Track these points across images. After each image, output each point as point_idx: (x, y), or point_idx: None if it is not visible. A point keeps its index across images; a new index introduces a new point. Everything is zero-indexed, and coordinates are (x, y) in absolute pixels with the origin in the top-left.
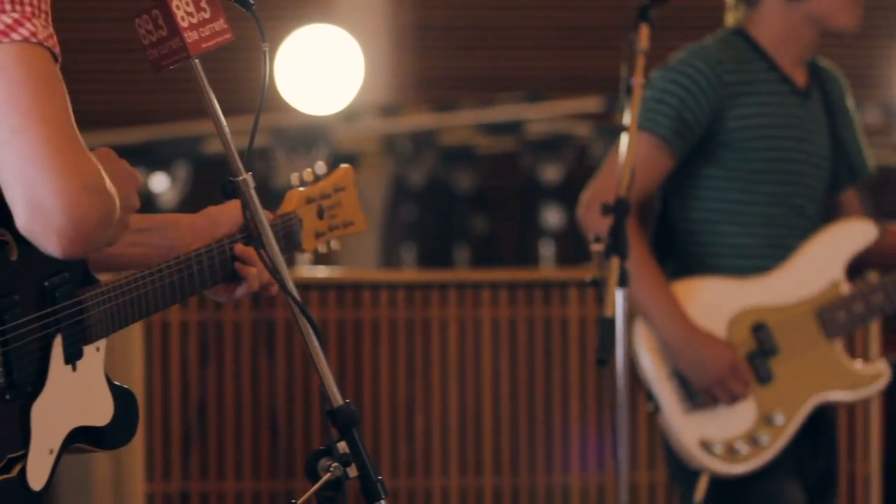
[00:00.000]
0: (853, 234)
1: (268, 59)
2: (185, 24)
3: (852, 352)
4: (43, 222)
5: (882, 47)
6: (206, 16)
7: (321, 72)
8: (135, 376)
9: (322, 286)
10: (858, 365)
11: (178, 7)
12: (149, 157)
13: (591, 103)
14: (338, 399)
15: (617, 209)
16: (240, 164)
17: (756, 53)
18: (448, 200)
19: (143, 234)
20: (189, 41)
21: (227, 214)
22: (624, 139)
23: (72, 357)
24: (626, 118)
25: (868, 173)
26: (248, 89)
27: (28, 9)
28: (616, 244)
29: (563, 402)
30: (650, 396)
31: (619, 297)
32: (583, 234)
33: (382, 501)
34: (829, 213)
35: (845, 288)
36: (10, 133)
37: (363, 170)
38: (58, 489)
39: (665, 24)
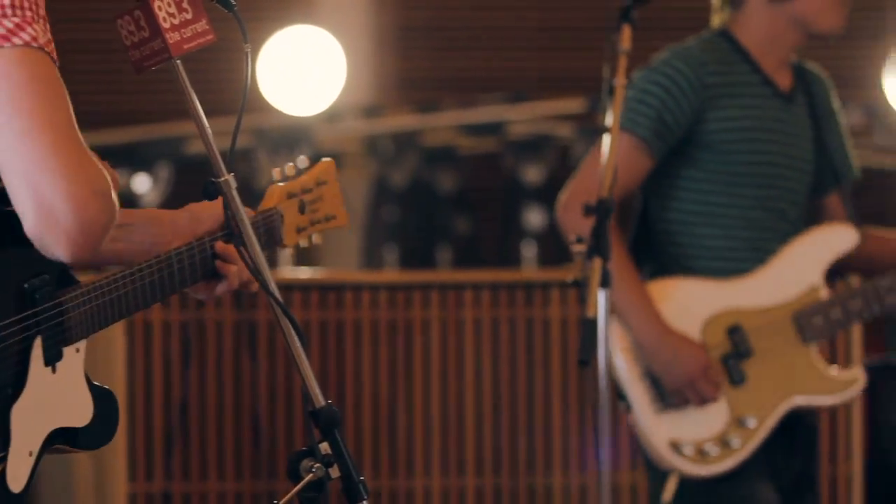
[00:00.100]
0: (833, 239)
1: (250, 59)
2: (167, 25)
3: (833, 355)
4: (52, 226)
5: (865, 48)
6: (189, 17)
7: (303, 73)
8: (117, 376)
9: (304, 287)
10: (834, 370)
11: (160, 8)
12: (131, 157)
13: (573, 104)
14: (320, 400)
15: (599, 210)
16: (222, 165)
17: (739, 55)
18: (430, 201)
19: (125, 230)
20: (171, 42)
21: (208, 211)
22: (604, 140)
23: (52, 359)
24: (608, 119)
25: (853, 177)
26: (231, 90)
27: (28, 13)
28: (598, 245)
29: (545, 403)
30: (622, 396)
31: (601, 298)
32: (564, 235)
33: (364, 502)
34: (812, 217)
35: (824, 293)
36: (17, 137)
37: (345, 170)
38: (39, 490)
39: (647, 25)
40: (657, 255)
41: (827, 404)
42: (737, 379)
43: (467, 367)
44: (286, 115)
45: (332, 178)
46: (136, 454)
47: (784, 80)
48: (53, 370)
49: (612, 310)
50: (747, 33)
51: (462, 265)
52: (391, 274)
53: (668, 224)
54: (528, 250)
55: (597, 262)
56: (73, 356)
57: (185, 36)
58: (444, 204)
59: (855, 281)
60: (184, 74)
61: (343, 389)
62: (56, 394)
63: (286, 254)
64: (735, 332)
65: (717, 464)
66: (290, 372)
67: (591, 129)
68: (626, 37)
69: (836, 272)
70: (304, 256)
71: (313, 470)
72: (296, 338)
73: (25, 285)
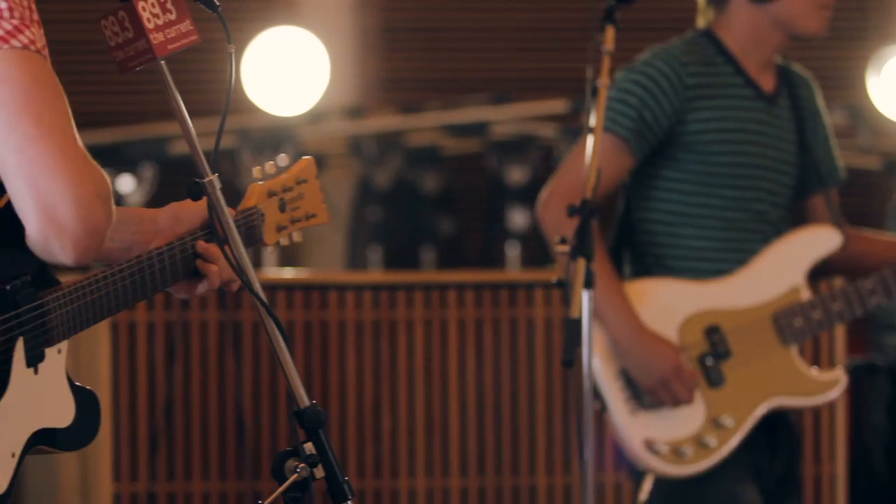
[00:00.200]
0: (816, 241)
1: (234, 60)
2: (151, 26)
3: (817, 356)
4: (57, 231)
5: (848, 49)
6: (172, 17)
7: (287, 73)
8: (101, 376)
9: (288, 287)
10: (814, 371)
11: (144, 9)
12: (115, 157)
13: (557, 105)
14: (304, 400)
15: (583, 211)
16: (206, 166)
17: (722, 56)
18: (414, 202)
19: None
20: (155, 43)
21: (189, 210)
22: (585, 140)
23: (33, 360)
24: (592, 119)
25: (839, 179)
26: (215, 91)
27: (27, 13)
28: (582, 246)
29: (529, 403)
30: (597, 395)
31: (585, 299)
32: (544, 234)
33: (349, 502)
34: (797, 219)
35: (805, 294)
36: (22, 140)
37: (329, 171)
38: (24, 490)
39: (631, 26)
40: (639, 256)
41: (808, 405)
42: (715, 379)
43: (451, 367)
44: (270, 115)
45: (312, 176)
46: (121, 454)
47: (767, 82)
48: (35, 371)
49: None
50: (730, 34)
51: (446, 265)
52: (375, 274)
53: (649, 225)
54: (512, 251)
55: (581, 263)
56: (55, 357)
57: (169, 36)
58: (427, 204)
59: (838, 283)
60: (168, 75)
61: (327, 389)
62: (38, 395)
63: (270, 254)
64: (713, 333)
65: (693, 464)
66: (275, 372)
67: (574, 130)
68: (609, 38)
69: (823, 273)
70: (288, 257)
71: (298, 470)
72: (280, 338)
73: (7, 287)
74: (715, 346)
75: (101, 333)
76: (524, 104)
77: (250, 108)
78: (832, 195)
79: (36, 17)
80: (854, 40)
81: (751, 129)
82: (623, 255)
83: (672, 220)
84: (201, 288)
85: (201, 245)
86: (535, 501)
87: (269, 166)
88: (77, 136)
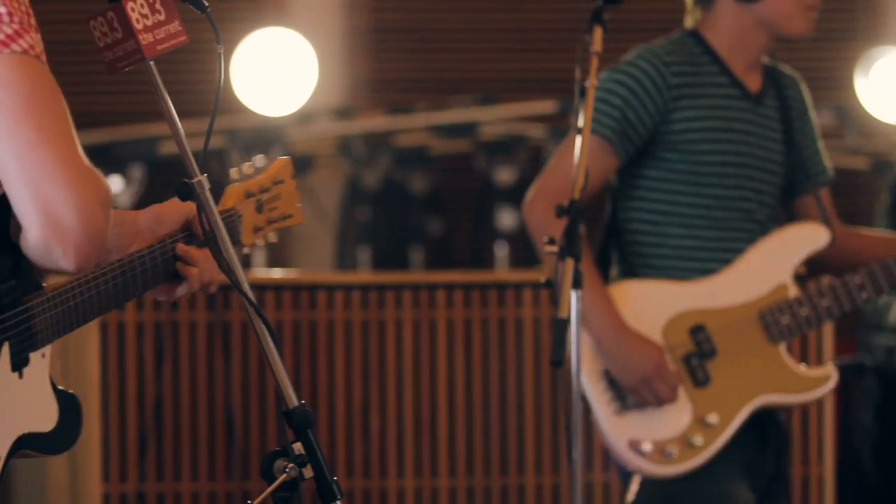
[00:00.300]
0: (803, 238)
1: (223, 61)
2: (140, 27)
3: (805, 356)
4: (60, 237)
5: (836, 49)
6: (162, 18)
7: (276, 74)
8: (91, 377)
9: (277, 287)
10: (804, 368)
11: (133, 9)
12: (104, 158)
13: (545, 105)
14: (293, 400)
15: (571, 211)
16: (195, 166)
17: (707, 56)
18: (403, 202)
19: None
20: (144, 43)
21: (170, 213)
22: (571, 140)
23: (19, 364)
24: (580, 120)
25: (828, 179)
26: (204, 91)
27: (26, 18)
28: (570, 246)
29: (517, 403)
30: (582, 396)
31: (573, 299)
32: (529, 234)
33: (338, 502)
34: (786, 219)
35: (793, 291)
36: (24, 147)
37: (318, 171)
38: (13, 490)
39: (619, 27)
40: (626, 256)
41: (798, 402)
42: (701, 379)
43: (440, 367)
44: (259, 115)
45: (288, 177)
46: (110, 454)
47: (753, 82)
48: (20, 375)
49: None
50: (716, 34)
51: (435, 266)
52: (364, 274)
53: (636, 225)
54: (501, 251)
55: (569, 263)
56: (40, 361)
57: (158, 37)
58: (416, 205)
59: (826, 281)
60: (157, 76)
61: (316, 390)
62: (23, 399)
63: (259, 254)
64: (698, 332)
65: (679, 464)
66: (264, 372)
67: (563, 131)
68: (597, 38)
69: (820, 272)
70: (277, 257)
71: (287, 470)
72: (269, 338)
73: None
74: (700, 346)
75: (90, 334)
76: (513, 105)
77: (239, 109)
78: (822, 194)
79: (34, 21)
80: (842, 41)
81: (736, 129)
82: (611, 256)
83: (658, 219)
84: (181, 290)
85: (181, 247)
86: (524, 501)
87: (247, 167)
88: (77, 141)
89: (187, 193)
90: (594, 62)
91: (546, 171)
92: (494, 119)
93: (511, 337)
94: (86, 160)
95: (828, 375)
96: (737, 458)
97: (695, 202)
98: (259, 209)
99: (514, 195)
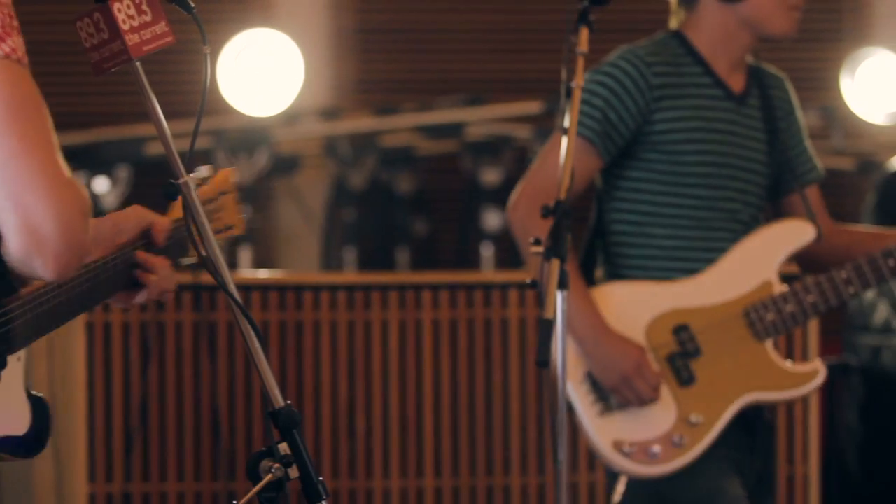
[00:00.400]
0: (788, 235)
1: (209, 62)
2: (126, 27)
3: (791, 355)
4: (40, 247)
5: (822, 50)
6: (148, 19)
7: (262, 75)
8: (76, 377)
9: (263, 288)
10: (791, 365)
11: (119, 10)
12: (90, 159)
13: (531, 106)
14: (279, 400)
15: (557, 212)
16: (181, 167)
17: (690, 57)
18: (388, 203)
19: None
20: (130, 44)
21: (130, 220)
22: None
23: None
24: (566, 121)
25: (816, 177)
26: (190, 92)
27: (8, 20)
28: (556, 246)
29: (503, 404)
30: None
31: (559, 300)
32: (514, 236)
33: (323, 502)
34: (775, 218)
35: (778, 288)
36: (5, 156)
37: (304, 172)
38: None
39: (605, 28)
40: (611, 258)
41: (786, 399)
42: (685, 378)
43: (426, 367)
44: (245, 116)
45: (231, 188)
46: (96, 455)
47: (736, 82)
48: None
49: None
50: (700, 34)
51: (420, 266)
52: (350, 275)
53: (620, 226)
54: (487, 251)
55: (555, 264)
56: (15, 364)
57: (144, 38)
58: (402, 205)
59: (810, 279)
60: (143, 76)
61: (302, 390)
62: (0, 402)
63: (245, 255)
64: (681, 332)
65: (664, 463)
66: (250, 372)
67: (548, 131)
68: (583, 39)
69: (813, 270)
70: (262, 258)
71: (273, 470)
72: (255, 338)
73: None
74: (684, 345)
75: (76, 334)
76: (499, 105)
77: (225, 109)
78: (811, 192)
79: (16, 24)
80: (828, 42)
81: (719, 129)
82: (596, 258)
83: (642, 220)
84: (139, 298)
85: (141, 255)
86: (509, 501)
87: (194, 177)
88: (58, 149)
89: (174, 194)
90: (580, 63)
91: (530, 172)
92: (480, 120)
93: (497, 337)
94: (66, 169)
95: (815, 371)
96: (727, 455)
97: (678, 202)
98: (216, 217)
99: (500, 196)
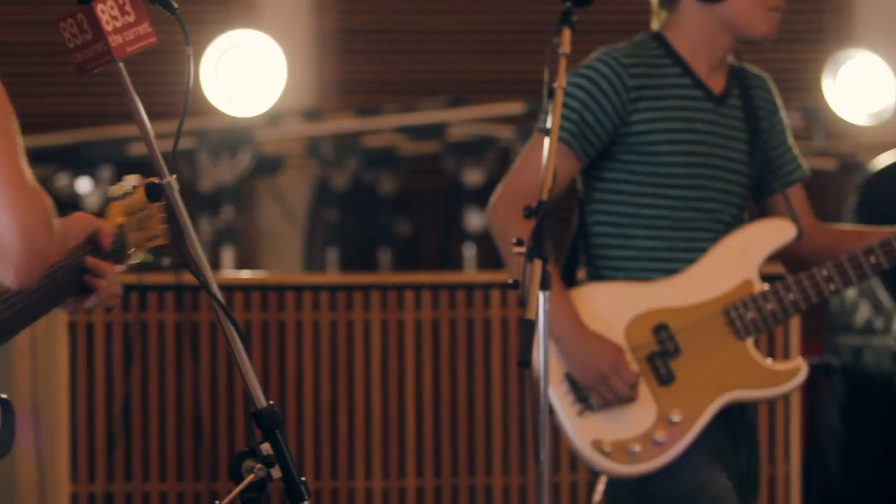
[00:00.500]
0: (768, 233)
1: (192, 62)
2: (109, 28)
3: (772, 352)
4: (2, 256)
5: (804, 51)
6: (131, 19)
7: (245, 76)
8: (59, 377)
9: (246, 288)
10: (773, 363)
11: (102, 11)
12: (73, 159)
13: (514, 107)
14: (262, 401)
15: (539, 213)
16: (164, 167)
17: (669, 58)
18: (371, 203)
19: None
20: (114, 45)
21: (79, 225)
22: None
23: None
24: (548, 122)
25: (801, 177)
26: (173, 93)
27: None
28: (538, 247)
29: (485, 404)
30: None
31: (541, 300)
32: (494, 237)
33: (305, 502)
34: (759, 217)
35: (758, 287)
36: None
37: (287, 172)
38: None
39: (587, 28)
40: (592, 259)
41: (769, 397)
42: (665, 378)
43: (408, 368)
44: (228, 117)
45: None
46: (79, 455)
47: (717, 83)
48: None
49: None
50: (680, 35)
51: (403, 267)
52: (332, 275)
53: (601, 227)
54: (469, 252)
55: (537, 265)
56: None
57: (127, 38)
58: (385, 206)
59: (791, 278)
60: (126, 77)
61: (284, 390)
62: None
63: (228, 255)
64: (661, 331)
65: (645, 462)
66: (232, 373)
67: (531, 132)
68: (566, 40)
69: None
70: (245, 258)
71: (255, 470)
72: (237, 339)
73: None
74: (663, 344)
75: (58, 334)
76: (481, 106)
77: (208, 110)
78: (795, 192)
79: None
80: (810, 43)
81: (699, 130)
82: (579, 259)
83: (622, 221)
84: (89, 303)
85: (91, 260)
86: (492, 501)
87: (120, 187)
88: (23, 155)
89: (157, 194)
90: (562, 64)
91: (509, 174)
92: (463, 120)
93: (479, 338)
94: (30, 176)
95: (797, 369)
96: (713, 449)
97: (657, 203)
98: (137, 228)
99: (483, 196)
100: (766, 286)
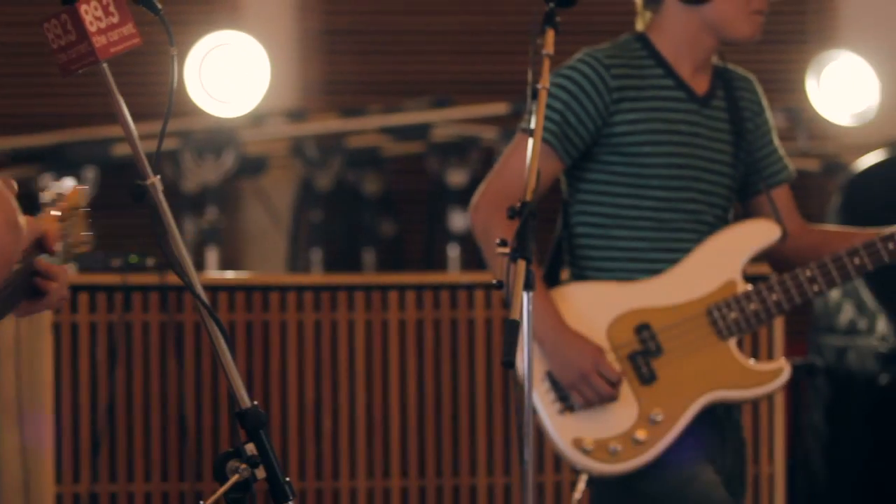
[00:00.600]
0: (752, 234)
1: (176, 63)
2: (93, 29)
3: (756, 353)
4: None
5: (787, 52)
6: (115, 20)
7: (229, 76)
8: (43, 377)
9: (230, 288)
10: (755, 363)
11: (86, 12)
12: (57, 160)
13: (498, 107)
14: (246, 401)
15: (523, 213)
16: (148, 168)
17: (652, 59)
18: (355, 204)
19: None
20: (98, 46)
21: (27, 227)
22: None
23: None
24: (531, 123)
25: (787, 177)
26: (157, 93)
27: None
28: (521, 248)
29: (469, 404)
30: None
31: (524, 300)
32: (476, 237)
33: (290, 503)
34: (744, 219)
35: (742, 287)
36: None
37: (271, 173)
38: None
39: (571, 29)
40: (576, 260)
41: (751, 397)
42: (647, 377)
43: (392, 368)
44: (212, 117)
45: (83, 205)
46: (63, 455)
47: (700, 84)
48: None
49: None
50: (663, 37)
51: (387, 267)
52: (316, 276)
53: (584, 228)
54: (453, 252)
55: (521, 265)
56: None
57: (111, 39)
58: (369, 206)
59: (774, 276)
60: (110, 77)
61: (269, 390)
62: None
63: (212, 256)
64: (643, 331)
65: (626, 461)
66: (216, 373)
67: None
68: (549, 41)
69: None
70: (229, 258)
71: (239, 471)
72: (221, 339)
73: None
74: (645, 344)
75: (43, 334)
76: (465, 107)
77: (192, 111)
78: (781, 193)
79: None
80: (793, 44)
81: (682, 131)
82: (563, 259)
83: (605, 222)
84: (41, 306)
85: (42, 263)
86: (476, 501)
87: (50, 193)
88: None
89: (141, 195)
90: (546, 64)
91: (491, 174)
92: (447, 121)
93: (463, 338)
94: None
95: (780, 369)
96: (701, 445)
97: (639, 204)
98: (66, 234)
99: (467, 197)
100: (749, 287)
